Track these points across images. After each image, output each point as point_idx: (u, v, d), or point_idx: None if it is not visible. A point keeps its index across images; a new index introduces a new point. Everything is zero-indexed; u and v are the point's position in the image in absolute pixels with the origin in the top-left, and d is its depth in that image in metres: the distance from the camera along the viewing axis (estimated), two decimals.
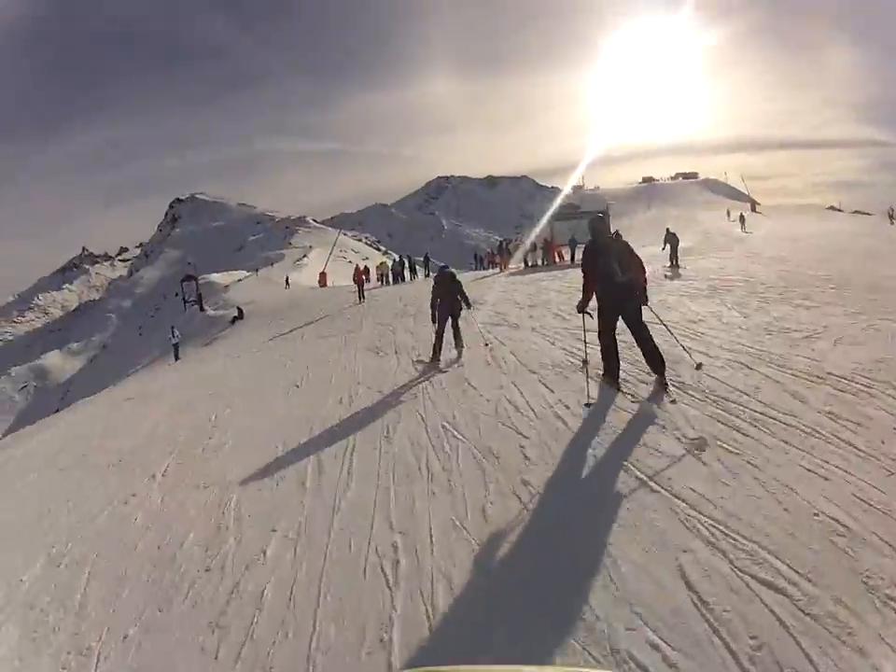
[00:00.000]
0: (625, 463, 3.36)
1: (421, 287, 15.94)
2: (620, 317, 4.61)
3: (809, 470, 2.98)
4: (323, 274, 33.19)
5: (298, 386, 7.67)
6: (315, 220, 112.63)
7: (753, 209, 45.33)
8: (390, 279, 26.88)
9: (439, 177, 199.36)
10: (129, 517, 4.39)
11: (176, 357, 18.92)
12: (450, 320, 7.23)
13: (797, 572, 2.26)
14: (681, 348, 5.05)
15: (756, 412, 3.81)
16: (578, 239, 19.10)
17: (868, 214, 52.00)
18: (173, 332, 19.91)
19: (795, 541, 2.45)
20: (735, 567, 2.34)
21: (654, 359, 4.56)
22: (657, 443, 3.55)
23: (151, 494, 4.77)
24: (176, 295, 49.71)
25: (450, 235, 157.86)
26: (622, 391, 4.57)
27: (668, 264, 13.78)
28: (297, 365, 9.47)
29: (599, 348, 4.81)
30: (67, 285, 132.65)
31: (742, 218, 31.17)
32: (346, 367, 8.21)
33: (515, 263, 22.25)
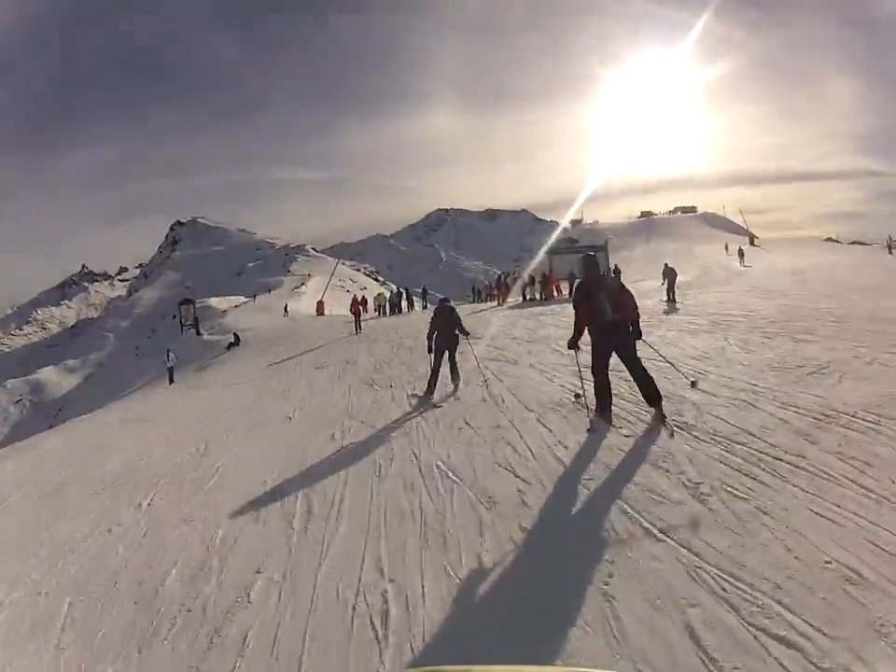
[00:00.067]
0: (629, 510, 3.23)
1: (418, 319, 15.94)
2: (614, 353, 4.64)
3: (819, 514, 2.87)
4: (321, 303, 33.40)
5: (290, 419, 7.56)
6: (314, 249, 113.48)
7: (752, 242, 45.47)
8: (387, 310, 26.98)
9: (438, 209, 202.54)
10: (111, 549, 4.17)
11: (171, 381, 18.82)
12: (447, 354, 7.19)
13: (810, 625, 2.14)
14: (671, 366, 4.97)
15: (762, 452, 3.71)
16: (577, 273, 19.25)
17: (866, 244, 52.54)
18: (168, 356, 19.91)
19: (807, 591, 2.32)
20: (744, 621, 2.21)
21: (650, 393, 4.56)
22: (661, 488, 3.43)
23: (135, 525, 4.56)
24: (174, 317, 49.51)
25: (448, 267, 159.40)
26: (614, 426, 4.54)
27: (665, 298, 13.98)
28: (291, 396, 9.36)
29: (593, 384, 4.83)
30: (66, 301, 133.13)
31: (741, 252, 31.24)
32: (341, 399, 8.13)
33: (514, 297, 22.36)
